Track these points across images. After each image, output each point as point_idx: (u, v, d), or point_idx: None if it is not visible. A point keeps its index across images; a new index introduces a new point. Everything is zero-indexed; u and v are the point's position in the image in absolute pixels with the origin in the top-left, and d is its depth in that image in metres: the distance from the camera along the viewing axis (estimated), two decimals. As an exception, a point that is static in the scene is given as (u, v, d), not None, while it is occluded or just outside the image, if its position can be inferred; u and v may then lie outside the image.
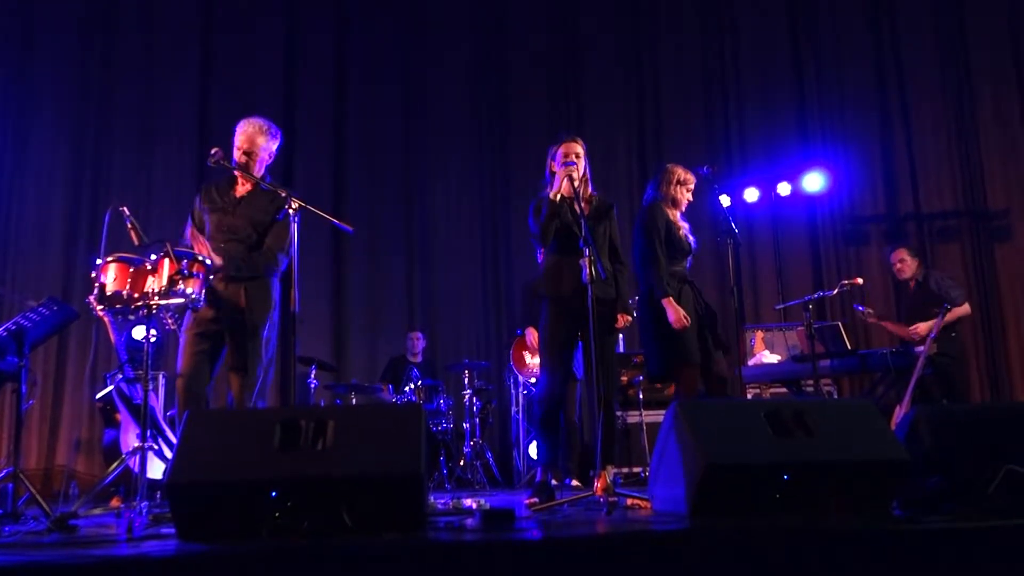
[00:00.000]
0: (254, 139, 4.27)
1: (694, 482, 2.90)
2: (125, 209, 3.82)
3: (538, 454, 4.62)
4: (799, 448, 3.00)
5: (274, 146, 4.38)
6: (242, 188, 4.32)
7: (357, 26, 9.33)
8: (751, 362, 6.59)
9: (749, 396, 6.54)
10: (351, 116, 9.17)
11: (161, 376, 6.54)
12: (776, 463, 2.93)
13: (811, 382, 6.19)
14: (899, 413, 5.60)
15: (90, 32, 8.61)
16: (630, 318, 4.39)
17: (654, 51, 9.56)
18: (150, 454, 3.57)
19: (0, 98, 8.17)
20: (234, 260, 4.08)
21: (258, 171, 4.31)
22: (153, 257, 3.65)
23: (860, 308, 6.53)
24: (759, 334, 7.03)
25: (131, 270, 3.62)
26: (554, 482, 5.26)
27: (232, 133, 4.36)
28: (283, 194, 4.05)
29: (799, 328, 6.69)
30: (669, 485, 3.15)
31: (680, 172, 4.79)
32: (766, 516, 2.88)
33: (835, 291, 6.24)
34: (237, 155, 4.27)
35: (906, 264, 6.56)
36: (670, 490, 3.14)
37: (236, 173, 4.27)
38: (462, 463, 7.09)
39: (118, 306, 3.61)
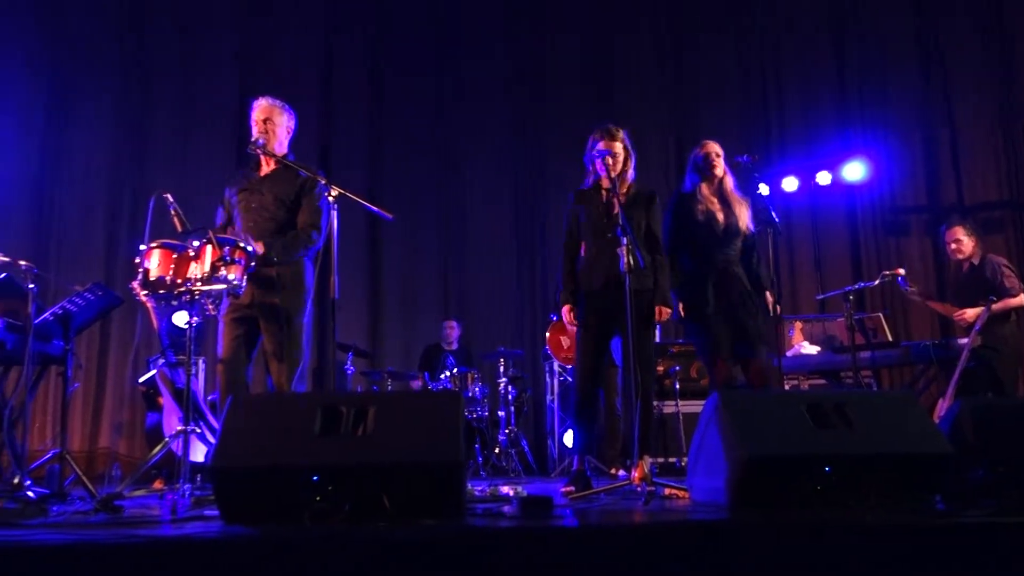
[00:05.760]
0: (270, 113, 4.35)
1: (734, 473, 2.88)
2: (169, 196, 3.86)
3: (573, 442, 4.62)
4: (841, 440, 2.97)
5: (291, 123, 4.45)
6: (266, 167, 4.38)
7: (395, 13, 9.35)
8: (789, 353, 6.53)
9: (787, 387, 6.48)
10: (387, 103, 9.21)
11: (201, 361, 6.63)
12: (817, 455, 2.90)
13: (850, 374, 6.12)
14: (942, 406, 5.51)
15: (129, 19, 8.70)
16: (669, 310, 4.28)
17: (691, 36, 9.47)
18: (192, 437, 3.62)
19: (42, 86, 8.29)
20: (272, 247, 4.10)
21: (280, 148, 4.37)
22: (196, 243, 3.69)
23: (904, 285, 6.17)
24: (798, 325, 6.97)
25: (174, 256, 3.65)
26: (614, 471, 5.25)
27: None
28: (312, 173, 4.13)
29: (839, 319, 6.61)
30: (708, 475, 3.14)
31: (703, 143, 4.74)
32: (806, 508, 2.86)
33: (876, 282, 6.14)
34: (257, 129, 4.32)
35: (963, 244, 6.07)
36: (709, 480, 3.12)
37: (260, 156, 4.33)
38: (497, 451, 7.11)
39: (161, 292, 3.64)
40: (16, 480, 3.77)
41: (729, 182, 4.68)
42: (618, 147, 4.33)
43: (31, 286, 3.98)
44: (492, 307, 9.01)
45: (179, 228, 3.87)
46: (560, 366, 7.37)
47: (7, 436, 4.28)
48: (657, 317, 4.25)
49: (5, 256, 4.13)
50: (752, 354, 4.48)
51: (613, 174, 4.28)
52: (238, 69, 8.87)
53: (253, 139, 4.27)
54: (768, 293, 4.72)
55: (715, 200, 4.61)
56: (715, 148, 4.69)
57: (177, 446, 3.81)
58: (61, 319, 4.25)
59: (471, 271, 9.07)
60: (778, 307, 4.73)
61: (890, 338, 6.60)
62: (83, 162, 8.33)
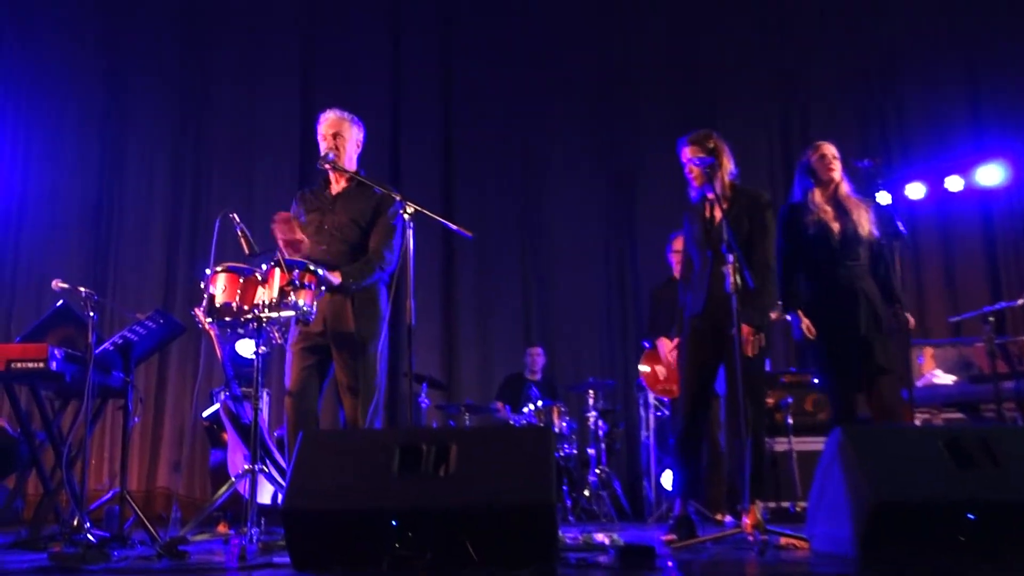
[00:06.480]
0: (339, 126, 4.42)
1: (861, 521, 2.82)
2: (235, 216, 3.94)
3: (673, 484, 4.56)
4: (987, 483, 2.88)
5: (360, 136, 4.54)
6: (337, 186, 4.46)
7: (463, 22, 9.45)
8: (920, 382, 6.34)
9: (918, 422, 6.28)
10: (460, 117, 9.27)
11: (265, 394, 6.74)
12: (959, 500, 2.82)
13: (992, 406, 5.90)
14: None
15: (187, 38, 8.99)
16: (751, 329, 4.07)
17: (795, 27, 9.31)
18: (259, 477, 3.68)
19: (97, 106, 8.62)
20: (349, 275, 4.15)
21: (350, 163, 4.46)
22: (264, 267, 3.76)
23: None
24: (928, 351, 6.75)
25: (241, 280, 3.74)
26: (720, 517, 5.13)
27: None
28: (387, 190, 4.20)
29: (977, 344, 6.38)
30: (831, 523, 3.07)
31: (817, 145, 4.61)
32: (946, 562, 2.77)
33: (1020, 301, 5.93)
34: (325, 144, 4.40)
35: None
36: (832, 529, 3.06)
37: (330, 172, 4.41)
38: (587, 493, 7.05)
39: (227, 318, 3.73)
40: (76, 522, 3.88)
41: (845, 187, 4.55)
42: (702, 152, 4.28)
43: (91, 314, 4.10)
44: (579, 333, 8.94)
45: (247, 251, 3.95)
46: (657, 399, 7.28)
47: (66, 475, 4.43)
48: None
49: (64, 283, 4.28)
50: (875, 384, 4.35)
51: (700, 183, 4.26)
52: (301, 77, 9.07)
53: (322, 154, 4.35)
54: (899, 308, 4.56)
55: (828, 208, 4.46)
56: (831, 150, 4.55)
57: (243, 487, 3.88)
58: (121, 349, 4.39)
59: (555, 293, 9.02)
60: (911, 320, 4.57)
61: (1039, 366, 6.35)
62: (141, 178, 8.59)
